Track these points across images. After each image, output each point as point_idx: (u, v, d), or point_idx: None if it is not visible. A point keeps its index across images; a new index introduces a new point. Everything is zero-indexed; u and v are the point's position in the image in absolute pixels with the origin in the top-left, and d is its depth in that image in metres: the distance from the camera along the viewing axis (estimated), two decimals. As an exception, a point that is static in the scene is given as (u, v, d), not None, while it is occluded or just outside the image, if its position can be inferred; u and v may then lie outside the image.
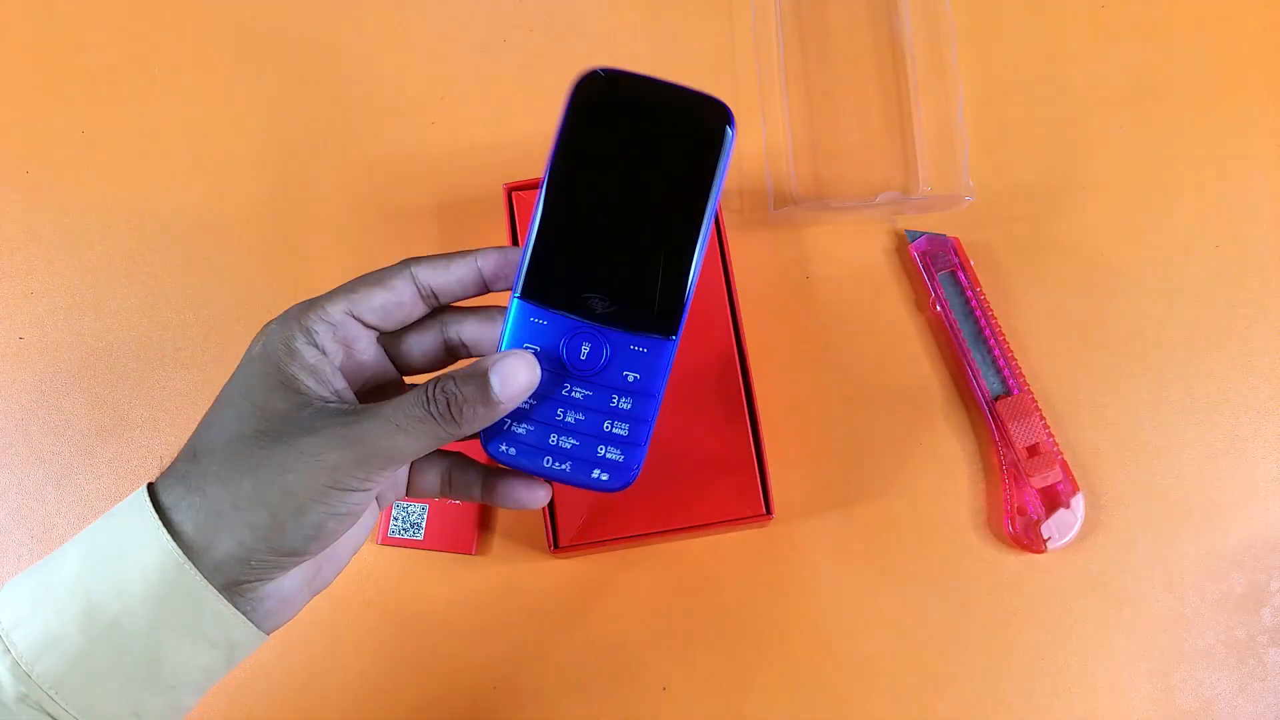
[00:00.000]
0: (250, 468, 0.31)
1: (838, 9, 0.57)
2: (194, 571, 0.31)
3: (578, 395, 0.33)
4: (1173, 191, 0.54)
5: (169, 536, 0.31)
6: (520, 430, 0.34)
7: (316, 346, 0.33)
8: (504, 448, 0.34)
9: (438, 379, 0.32)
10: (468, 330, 0.36)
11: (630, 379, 0.33)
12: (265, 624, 0.33)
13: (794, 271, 0.53)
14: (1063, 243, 0.54)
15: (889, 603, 0.50)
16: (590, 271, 0.33)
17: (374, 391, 0.36)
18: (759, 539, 0.50)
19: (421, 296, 0.35)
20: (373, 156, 0.55)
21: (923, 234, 0.52)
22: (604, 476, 0.34)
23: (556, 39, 0.57)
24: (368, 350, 0.35)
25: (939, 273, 0.52)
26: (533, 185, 0.48)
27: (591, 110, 0.34)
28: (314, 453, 0.31)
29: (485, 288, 0.35)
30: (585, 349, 0.33)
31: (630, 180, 0.33)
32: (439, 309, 0.36)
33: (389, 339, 0.36)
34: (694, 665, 0.49)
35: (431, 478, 0.37)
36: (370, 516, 0.36)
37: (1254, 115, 0.55)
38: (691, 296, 0.33)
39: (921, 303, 0.53)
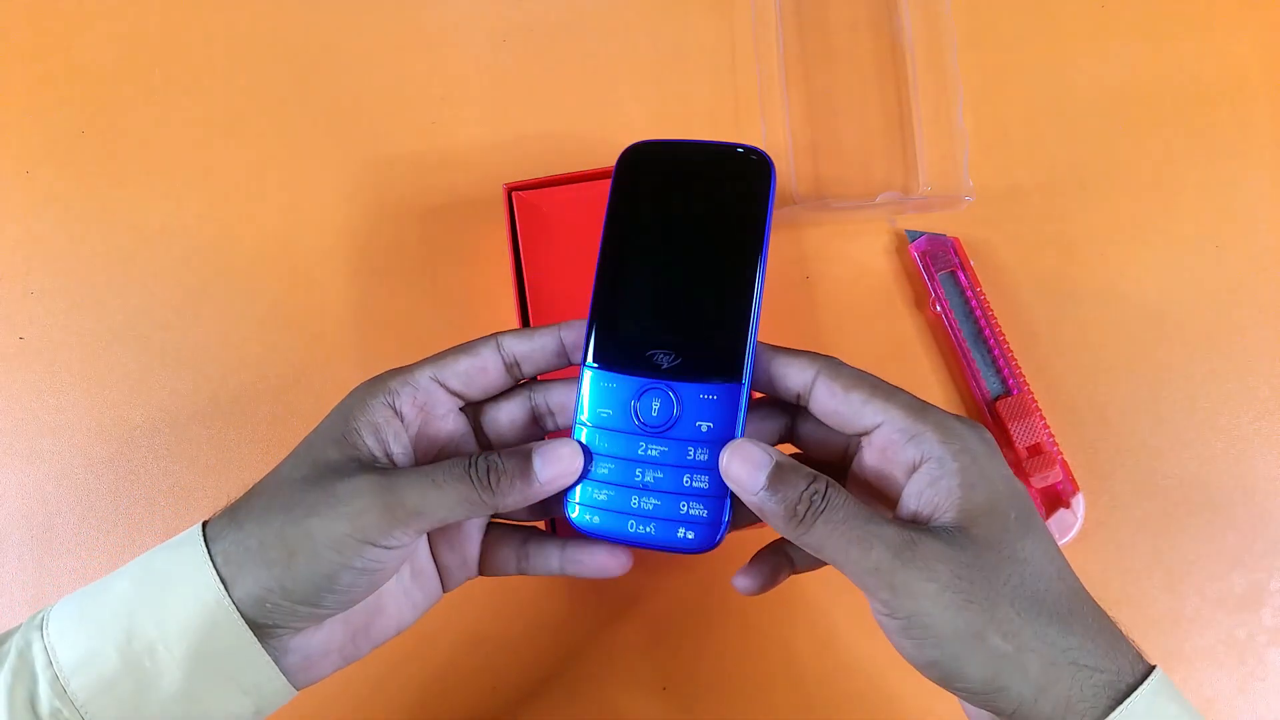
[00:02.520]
0: (285, 507, 0.32)
1: (838, 9, 0.57)
2: (231, 609, 0.31)
3: (654, 453, 0.33)
4: (1173, 191, 0.54)
5: (213, 571, 0.31)
6: (603, 497, 0.34)
7: (392, 408, 0.34)
8: (589, 516, 0.34)
9: (484, 453, 0.33)
10: (554, 397, 0.36)
11: (704, 429, 0.33)
12: (292, 678, 0.33)
13: (794, 271, 0.53)
14: (1063, 243, 0.54)
15: (889, 603, 0.50)
16: (652, 329, 0.34)
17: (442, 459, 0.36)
18: (759, 539, 0.50)
19: (506, 366, 0.35)
20: (373, 156, 0.55)
21: (923, 234, 0.52)
22: (689, 535, 0.33)
23: (556, 39, 0.57)
24: (448, 418, 0.35)
25: (939, 273, 0.52)
26: (533, 185, 0.48)
27: (637, 178, 0.35)
28: (343, 498, 0.31)
29: (567, 359, 0.35)
30: (656, 405, 0.34)
31: (681, 237, 0.34)
32: (527, 382, 0.36)
33: (477, 409, 0.36)
34: (694, 665, 0.49)
35: (506, 554, 0.37)
36: (422, 596, 0.36)
37: (1254, 116, 0.55)
38: (755, 340, 0.33)
39: (921, 303, 0.53)
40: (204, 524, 0.33)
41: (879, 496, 0.34)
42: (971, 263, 0.52)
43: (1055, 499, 0.49)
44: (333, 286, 0.53)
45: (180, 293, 0.53)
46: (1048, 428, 0.50)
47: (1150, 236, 0.54)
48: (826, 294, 0.53)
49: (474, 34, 0.57)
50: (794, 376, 0.33)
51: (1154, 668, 0.30)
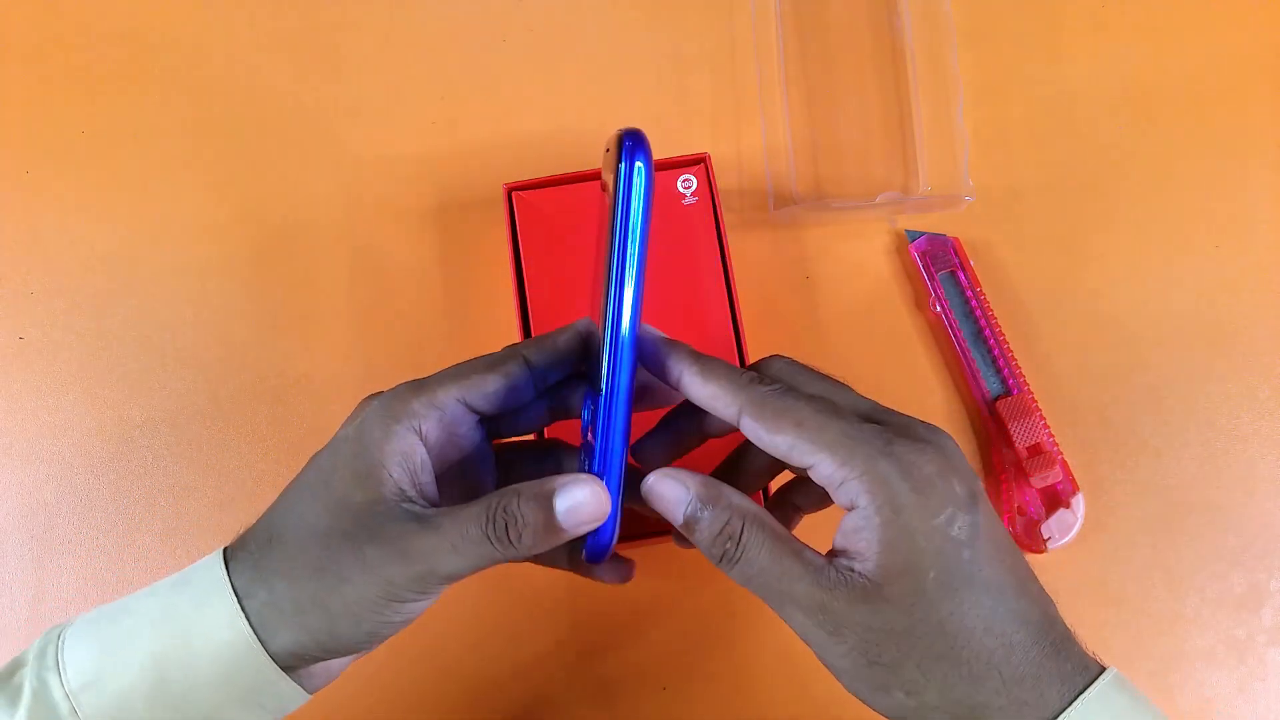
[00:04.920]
0: (316, 569, 0.31)
1: (838, 9, 0.57)
2: (265, 658, 0.31)
3: (583, 459, 0.33)
4: (1173, 191, 0.54)
5: (249, 629, 0.31)
6: None
7: (418, 433, 0.32)
8: None
9: (502, 496, 0.30)
10: (574, 398, 0.36)
11: (590, 439, 0.32)
12: (308, 685, 0.34)
13: (794, 271, 0.53)
14: (1063, 243, 0.54)
15: (889, 603, 0.49)
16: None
17: (461, 474, 0.35)
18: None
19: (534, 382, 0.34)
20: (373, 156, 0.55)
21: (923, 234, 0.52)
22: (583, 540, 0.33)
23: (556, 39, 0.57)
24: (469, 435, 0.34)
25: (939, 273, 0.52)
26: (533, 185, 0.48)
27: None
28: (374, 565, 0.30)
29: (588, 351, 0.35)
30: (586, 413, 0.34)
31: (598, 254, 0.33)
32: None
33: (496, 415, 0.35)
34: (694, 665, 0.49)
35: None
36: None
37: (1254, 115, 0.55)
38: (616, 343, 0.31)
39: (921, 303, 0.53)
40: (227, 567, 0.32)
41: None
42: (971, 263, 0.52)
43: (1055, 499, 0.49)
44: (333, 286, 0.53)
45: (180, 293, 0.53)
46: (1048, 428, 0.50)
47: (1150, 236, 0.54)
48: (826, 294, 0.53)
49: (474, 34, 0.57)
50: (721, 410, 0.31)
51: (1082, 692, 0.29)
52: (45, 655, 0.32)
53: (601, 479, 0.31)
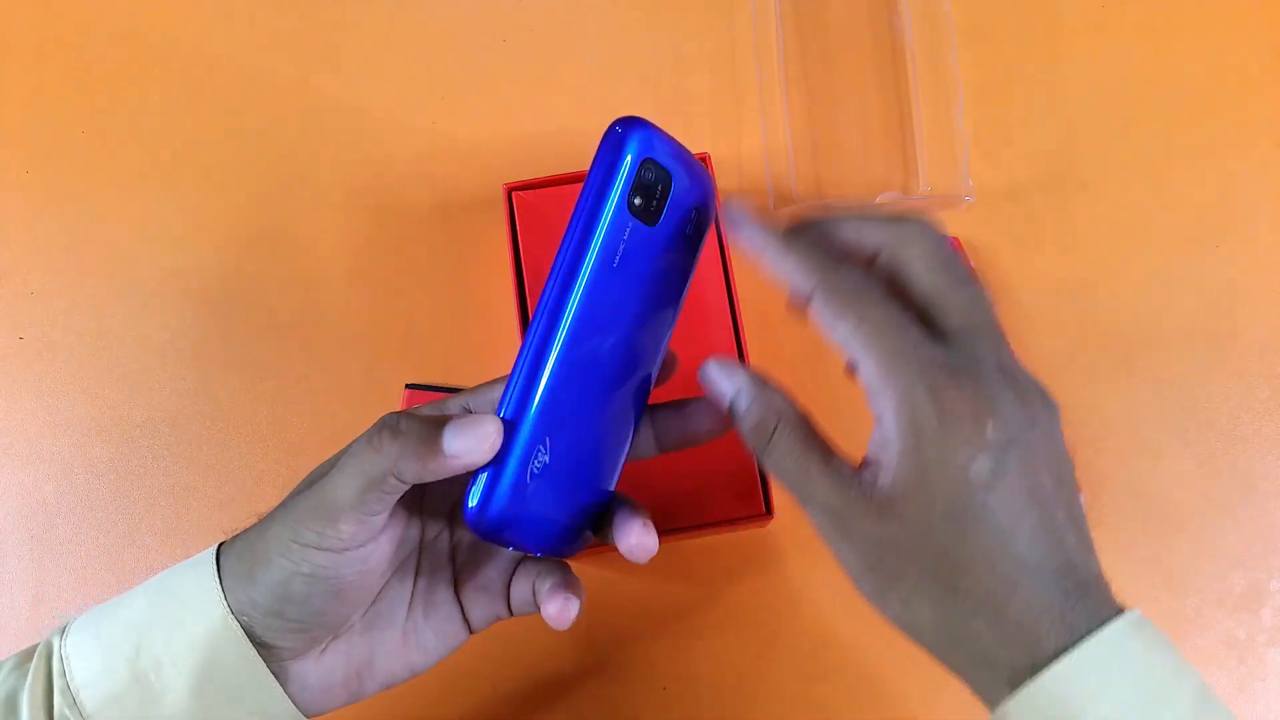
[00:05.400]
0: (262, 527, 0.32)
1: (838, 9, 0.57)
2: (236, 627, 0.31)
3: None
4: (1172, 191, 0.54)
5: (219, 588, 0.32)
6: None
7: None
8: None
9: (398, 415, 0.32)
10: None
11: (507, 389, 0.32)
12: (299, 705, 0.33)
13: (794, 271, 0.53)
14: (1063, 243, 0.54)
15: (889, 603, 0.49)
16: None
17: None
18: (759, 539, 0.50)
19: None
20: (373, 156, 0.55)
21: (923, 234, 0.52)
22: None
23: (556, 39, 0.57)
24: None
25: (939, 273, 0.52)
26: (533, 185, 0.48)
27: None
28: (292, 506, 0.32)
29: None
30: None
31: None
32: None
33: None
34: (694, 665, 0.49)
35: (525, 584, 0.36)
36: (434, 637, 0.36)
37: (1254, 115, 0.55)
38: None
39: (921, 303, 0.53)
40: (220, 545, 0.33)
41: None
42: (971, 263, 0.52)
43: (1055, 499, 0.49)
44: (333, 286, 0.53)
45: (180, 293, 0.53)
46: (1048, 428, 0.50)
47: (1150, 236, 0.54)
48: (826, 294, 0.53)
49: (474, 34, 0.57)
50: (797, 285, 0.31)
51: (1081, 641, 0.28)
52: (57, 629, 0.33)
53: (509, 424, 0.30)
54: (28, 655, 0.34)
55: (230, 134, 0.55)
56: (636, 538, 0.33)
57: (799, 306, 0.31)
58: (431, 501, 0.36)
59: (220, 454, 0.51)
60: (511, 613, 0.36)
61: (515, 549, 0.32)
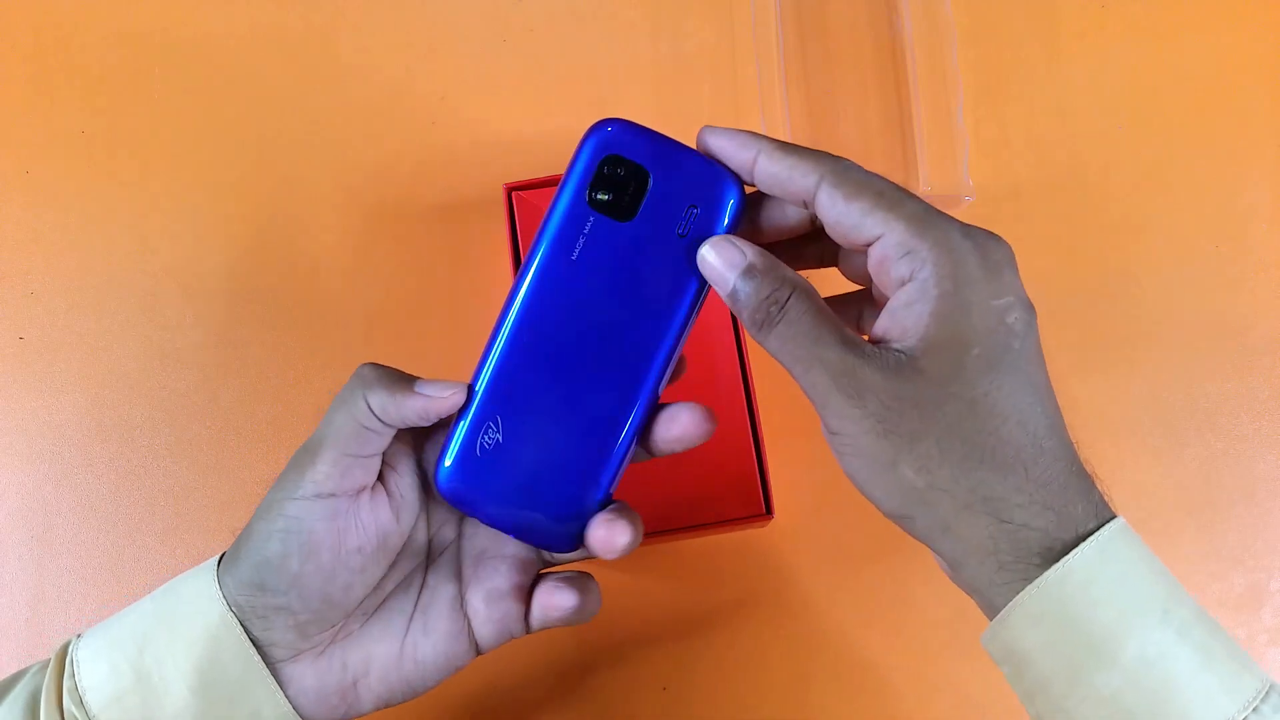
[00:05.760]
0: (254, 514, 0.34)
1: (838, 9, 0.57)
2: (234, 623, 0.32)
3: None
4: (1173, 191, 0.54)
5: (216, 585, 0.32)
6: None
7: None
8: None
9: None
10: None
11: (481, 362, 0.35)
12: (302, 704, 0.33)
13: (794, 271, 0.53)
14: (1063, 243, 0.54)
15: (889, 602, 0.49)
16: None
17: None
18: (759, 539, 0.50)
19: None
20: (373, 157, 0.55)
21: (923, 234, 0.52)
22: None
23: (556, 39, 0.57)
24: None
25: (939, 273, 0.52)
26: (533, 185, 0.48)
27: None
28: (279, 478, 0.33)
29: None
30: None
31: None
32: None
33: None
34: (694, 665, 0.49)
35: (546, 592, 0.36)
36: (431, 648, 0.35)
37: (1254, 115, 0.55)
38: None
39: (921, 303, 0.53)
40: (224, 552, 0.34)
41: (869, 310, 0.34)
42: (971, 263, 0.52)
43: (1055, 499, 0.49)
44: (333, 286, 0.53)
45: (180, 293, 0.53)
46: (1048, 428, 0.50)
47: (1150, 236, 0.54)
48: (827, 294, 0.53)
49: (474, 34, 0.57)
50: (798, 180, 0.30)
51: (1107, 523, 0.29)
52: (77, 634, 0.34)
53: (470, 393, 0.33)
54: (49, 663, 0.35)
55: (230, 134, 0.55)
56: (604, 529, 0.33)
57: (800, 202, 0.31)
58: (437, 517, 0.36)
59: (220, 454, 0.51)
60: (530, 628, 0.36)
61: (485, 521, 0.34)
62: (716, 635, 0.49)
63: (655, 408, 0.33)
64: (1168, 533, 0.50)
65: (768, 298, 0.30)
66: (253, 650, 0.32)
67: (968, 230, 0.29)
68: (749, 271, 0.30)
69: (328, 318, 0.53)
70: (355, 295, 0.53)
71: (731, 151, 0.32)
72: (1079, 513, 0.28)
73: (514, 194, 0.48)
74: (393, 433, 0.33)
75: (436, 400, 0.32)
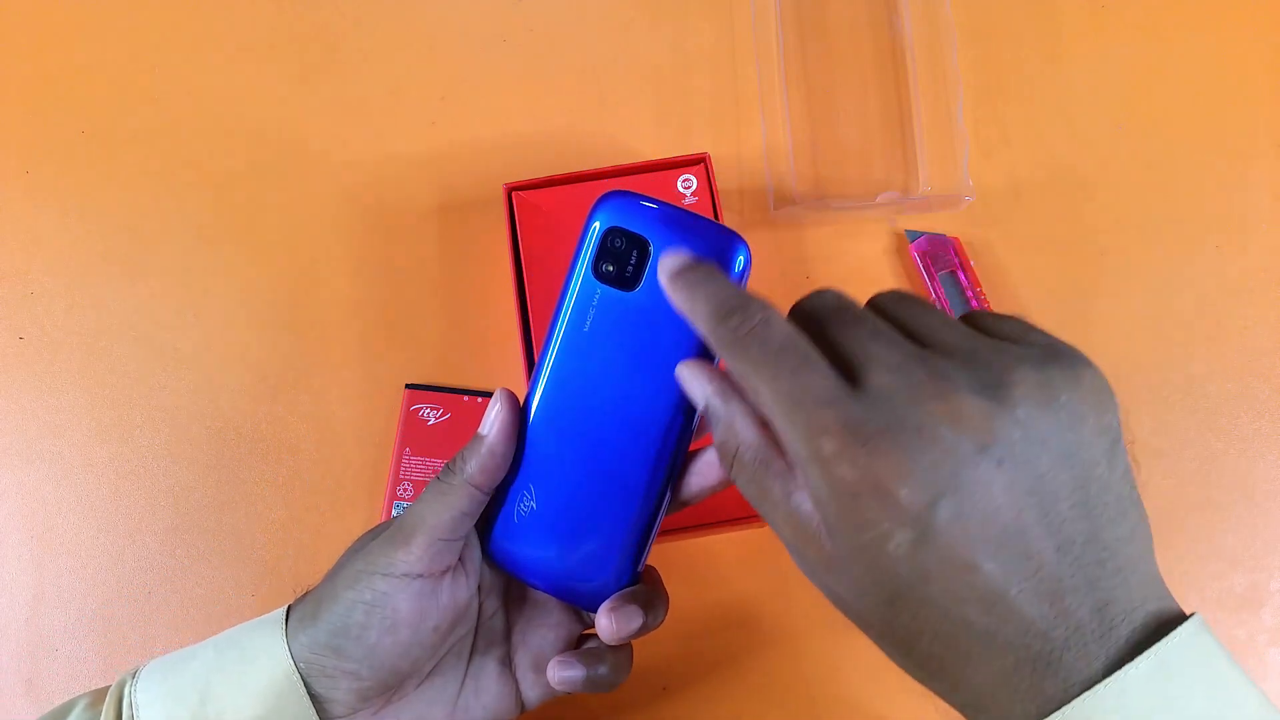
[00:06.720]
0: (331, 573, 0.34)
1: (838, 9, 0.57)
2: (298, 681, 0.32)
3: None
4: (1173, 191, 0.54)
5: (285, 642, 0.33)
6: None
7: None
8: None
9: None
10: None
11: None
12: None
13: (794, 272, 0.53)
14: (1063, 243, 0.54)
15: (889, 603, 0.49)
16: None
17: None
18: (759, 539, 0.50)
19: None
20: (373, 156, 0.55)
21: (923, 234, 0.52)
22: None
23: (556, 39, 0.57)
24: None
25: (939, 273, 0.52)
26: (533, 185, 0.48)
27: None
28: (366, 544, 0.34)
29: None
30: None
31: None
32: None
33: None
34: (694, 665, 0.49)
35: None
36: (481, 710, 0.36)
37: (1254, 114, 0.55)
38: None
39: (921, 303, 0.53)
40: (290, 605, 0.35)
41: None
42: (971, 263, 0.52)
43: (1055, 499, 0.49)
44: (333, 286, 0.53)
45: (180, 293, 0.53)
46: (1048, 428, 0.50)
47: (1150, 236, 0.54)
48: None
49: (474, 34, 0.57)
50: (695, 323, 0.31)
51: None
52: (129, 674, 0.35)
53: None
54: (99, 696, 0.34)
55: (230, 133, 0.55)
56: (604, 617, 0.34)
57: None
58: (487, 582, 0.37)
59: (220, 454, 0.51)
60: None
61: (527, 583, 0.36)
62: (716, 635, 0.49)
63: (681, 463, 0.34)
64: (1168, 533, 0.50)
65: (720, 445, 0.30)
66: (314, 711, 0.32)
67: (822, 453, 0.26)
68: (708, 406, 0.31)
69: (328, 317, 0.53)
70: (355, 295, 0.53)
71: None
72: (1019, 714, 0.26)
73: (514, 194, 0.48)
74: (481, 509, 0.34)
75: (492, 440, 0.34)
